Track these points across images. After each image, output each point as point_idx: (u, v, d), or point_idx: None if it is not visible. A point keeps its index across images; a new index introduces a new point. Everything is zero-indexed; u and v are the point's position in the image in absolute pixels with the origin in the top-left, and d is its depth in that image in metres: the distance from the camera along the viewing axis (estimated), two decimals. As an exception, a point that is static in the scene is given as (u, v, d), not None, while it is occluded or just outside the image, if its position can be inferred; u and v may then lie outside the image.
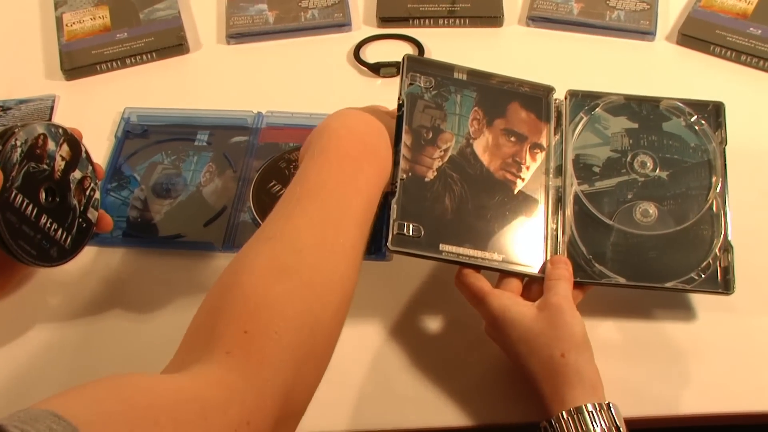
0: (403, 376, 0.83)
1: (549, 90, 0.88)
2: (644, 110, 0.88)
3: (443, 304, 0.87)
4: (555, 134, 0.87)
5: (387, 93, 1.05)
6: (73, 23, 1.14)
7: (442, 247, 0.79)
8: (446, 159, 0.82)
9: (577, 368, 0.72)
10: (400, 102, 0.82)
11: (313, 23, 1.13)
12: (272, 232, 0.68)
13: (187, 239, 0.93)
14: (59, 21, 1.15)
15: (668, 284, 0.80)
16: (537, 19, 1.12)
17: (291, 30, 1.13)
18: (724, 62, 1.07)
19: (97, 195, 0.84)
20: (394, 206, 0.78)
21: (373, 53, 1.11)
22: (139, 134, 1.03)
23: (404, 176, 0.80)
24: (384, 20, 1.13)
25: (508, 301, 0.77)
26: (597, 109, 0.88)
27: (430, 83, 0.85)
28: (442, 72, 0.86)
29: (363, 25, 1.15)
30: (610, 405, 0.70)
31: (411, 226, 0.78)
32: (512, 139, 0.85)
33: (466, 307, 0.80)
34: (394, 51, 1.10)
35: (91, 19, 1.15)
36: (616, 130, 0.87)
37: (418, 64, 0.86)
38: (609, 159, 0.86)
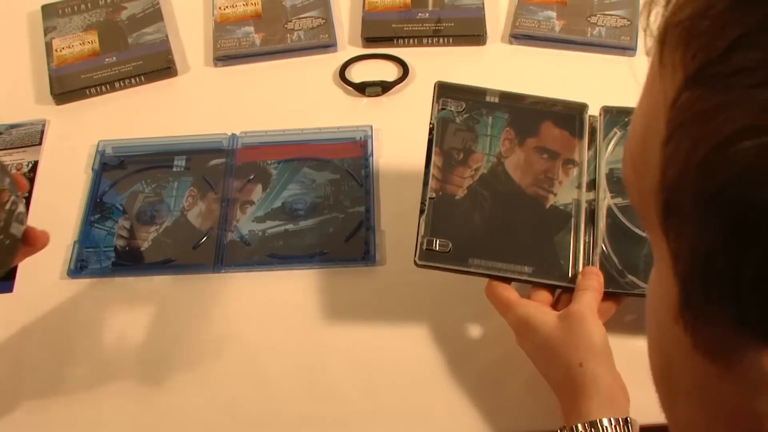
0: (395, 386, 0.84)
1: (583, 107, 0.89)
2: None
3: (435, 309, 0.88)
4: (588, 149, 0.88)
5: (372, 112, 1.06)
6: (63, 48, 1.15)
7: (472, 261, 0.81)
8: (477, 177, 0.84)
9: (594, 378, 0.71)
10: (431, 126, 0.85)
11: (299, 44, 1.14)
12: None
13: (177, 263, 0.94)
14: (49, 46, 1.16)
15: None
16: (519, 36, 1.13)
17: (278, 51, 1.14)
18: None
19: (21, 208, 0.76)
20: (422, 223, 0.81)
21: (359, 73, 1.11)
22: (117, 165, 1.03)
23: (433, 195, 0.83)
24: (369, 40, 1.14)
25: (533, 309, 0.77)
26: None
27: (461, 107, 0.87)
28: (474, 96, 0.88)
29: (348, 46, 1.15)
30: (628, 420, 0.69)
31: (439, 241, 0.81)
32: (544, 156, 0.86)
33: (459, 312, 0.82)
34: (379, 70, 1.11)
35: (80, 44, 1.16)
36: None
37: (449, 90, 0.88)
38: None
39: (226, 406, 0.84)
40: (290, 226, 0.96)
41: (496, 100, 0.88)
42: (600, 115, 0.90)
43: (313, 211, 0.97)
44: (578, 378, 0.72)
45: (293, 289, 0.91)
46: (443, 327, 0.87)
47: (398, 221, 0.95)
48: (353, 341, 0.87)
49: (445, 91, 0.88)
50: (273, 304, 0.91)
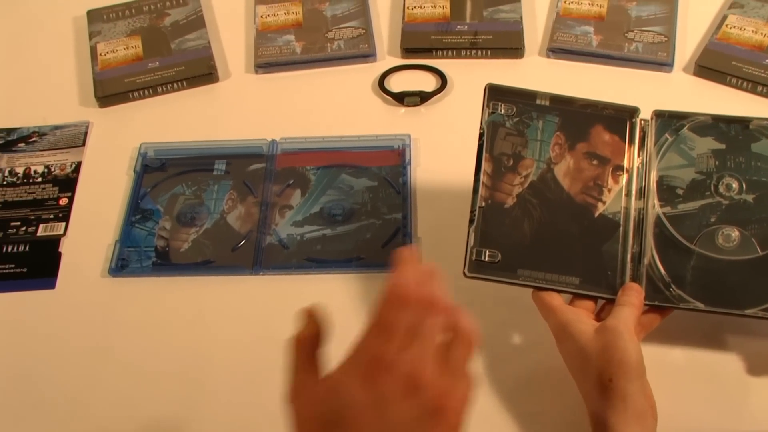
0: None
1: (634, 111, 0.87)
2: (733, 131, 0.85)
3: (472, 315, 0.88)
4: (638, 155, 0.86)
5: (410, 121, 1.07)
6: (107, 52, 1.17)
7: (520, 272, 0.80)
8: (526, 185, 0.83)
9: (624, 395, 0.71)
10: (481, 131, 0.84)
11: (339, 54, 1.15)
12: None
13: (216, 264, 0.95)
14: (93, 50, 1.18)
15: (748, 311, 0.78)
16: (557, 50, 1.14)
17: (317, 60, 1.15)
18: (741, 93, 1.08)
19: None
20: (471, 233, 0.80)
21: (398, 83, 1.12)
22: (158, 167, 1.05)
23: (483, 204, 0.81)
24: (408, 51, 1.15)
25: (573, 316, 0.77)
26: (683, 130, 0.86)
27: (511, 110, 0.85)
28: (524, 99, 0.86)
29: (387, 56, 1.16)
30: None
31: (488, 252, 0.79)
32: (594, 162, 0.85)
33: (497, 317, 0.83)
34: (418, 81, 1.12)
35: (124, 48, 1.17)
36: (702, 151, 0.85)
37: (499, 92, 0.86)
38: (693, 181, 0.84)
39: (261, 407, 0.84)
40: (328, 231, 0.97)
41: (547, 103, 0.87)
42: (651, 119, 0.87)
43: (350, 217, 0.98)
44: (607, 392, 0.72)
45: (330, 292, 0.92)
46: (481, 331, 0.87)
47: (434, 229, 0.96)
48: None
49: (495, 93, 0.86)
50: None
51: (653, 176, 0.85)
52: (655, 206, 0.83)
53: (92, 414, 0.85)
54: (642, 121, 0.87)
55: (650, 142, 0.86)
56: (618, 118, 0.87)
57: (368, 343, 0.56)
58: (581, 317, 0.78)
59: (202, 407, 0.85)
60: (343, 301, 0.91)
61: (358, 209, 0.98)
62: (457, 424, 0.55)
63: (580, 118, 0.87)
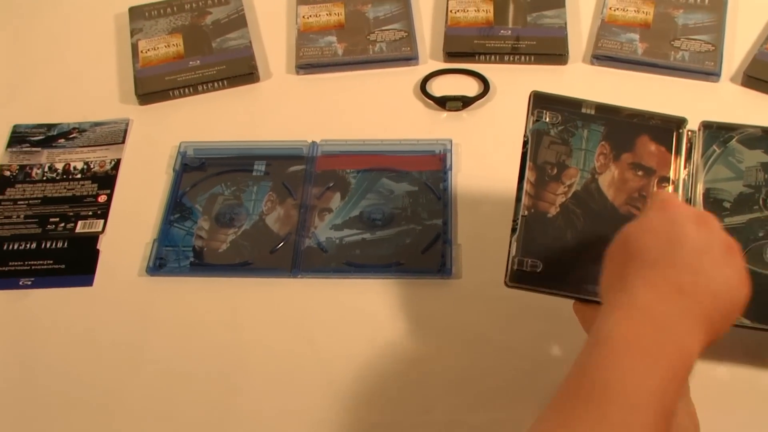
0: (464, 399, 0.83)
1: (681, 122, 0.85)
2: None
3: (510, 324, 0.88)
4: (685, 167, 0.84)
5: (452, 126, 1.06)
6: (148, 50, 1.17)
7: (562, 282, 0.79)
8: (570, 194, 0.82)
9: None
10: (525, 139, 0.83)
11: (381, 56, 1.14)
12: None
13: (255, 266, 0.94)
14: (135, 47, 1.18)
15: None
16: (601, 57, 1.12)
17: (359, 62, 1.14)
18: (790, 103, 1.06)
19: None
20: (513, 242, 0.79)
21: (440, 87, 1.11)
22: (197, 167, 1.04)
23: (526, 213, 0.80)
24: (450, 55, 1.14)
25: None
26: (732, 142, 0.85)
27: (556, 119, 0.84)
28: (570, 107, 0.85)
29: (430, 59, 1.15)
30: None
31: (529, 261, 0.79)
32: (639, 173, 0.83)
33: (536, 328, 0.82)
34: (460, 85, 1.11)
35: (165, 46, 1.17)
36: (750, 164, 0.84)
37: (544, 100, 0.85)
38: (741, 194, 0.83)
39: (297, 412, 0.84)
40: (367, 236, 0.96)
41: (592, 111, 0.86)
42: (699, 130, 0.86)
43: (390, 222, 0.97)
44: None
45: (368, 297, 0.91)
46: (518, 342, 0.87)
47: (475, 236, 0.95)
48: (426, 352, 0.87)
49: (540, 101, 0.85)
50: (347, 312, 0.91)
51: (700, 189, 0.83)
52: None
53: (125, 414, 0.85)
54: (689, 132, 0.86)
55: (697, 153, 0.85)
56: (665, 129, 0.85)
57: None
58: None
59: (237, 411, 0.84)
60: (381, 307, 0.90)
61: (398, 214, 0.97)
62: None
63: (625, 128, 0.85)
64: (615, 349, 0.58)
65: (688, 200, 0.83)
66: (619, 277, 0.64)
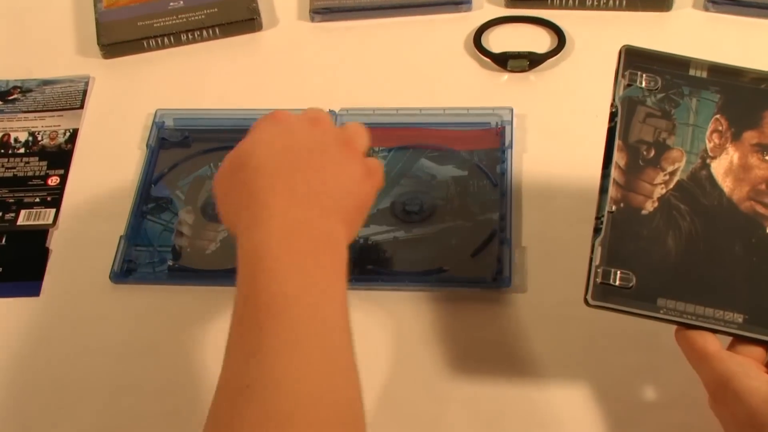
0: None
1: None
2: None
3: (592, 355, 0.88)
4: None
5: (515, 91, 1.07)
6: (116, -14, 1.18)
7: (661, 302, 0.77)
8: (672, 185, 0.81)
9: None
10: (613, 110, 0.82)
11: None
12: (246, 378, 0.68)
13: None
14: (97, -17, 1.19)
15: None
16: (719, 1, 1.12)
17: (393, 6, 1.15)
18: None
19: None
20: (597, 247, 0.78)
21: (499, 40, 1.12)
22: (179, 142, 1.06)
23: (614, 208, 0.79)
24: (515, -1, 1.15)
25: (738, 368, 0.74)
26: None
27: (655, 83, 0.84)
28: (673, 68, 0.85)
29: (486, 4, 1.16)
30: None
31: (619, 273, 0.78)
32: (767, 158, 0.83)
33: (626, 361, 0.83)
34: (527, 38, 1.12)
35: (139, -18, 1.19)
36: None
37: (640, 58, 0.84)
38: None
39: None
40: (401, 234, 0.96)
41: (704, 74, 0.85)
42: None
43: (431, 216, 0.97)
44: None
45: (401, 314, 0.92)
46: (602, 380, 0.86)
47: (543, 237, 0.95)
48: (476, 389, 0.87)
49: (634, 59, 0.84)
50: (373, 333, 0.91)
51: None
52: None
53: None
54: None
55: None
56: None
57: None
58: (749, 370, 0.75)
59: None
60: (417, 327, 0.91)
61: (441, 206, 0.98)
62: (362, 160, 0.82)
63: (749, 97, 0.84)
64: (271, 267, 0.71)
65: None
66: (248, 195, 0.76)
